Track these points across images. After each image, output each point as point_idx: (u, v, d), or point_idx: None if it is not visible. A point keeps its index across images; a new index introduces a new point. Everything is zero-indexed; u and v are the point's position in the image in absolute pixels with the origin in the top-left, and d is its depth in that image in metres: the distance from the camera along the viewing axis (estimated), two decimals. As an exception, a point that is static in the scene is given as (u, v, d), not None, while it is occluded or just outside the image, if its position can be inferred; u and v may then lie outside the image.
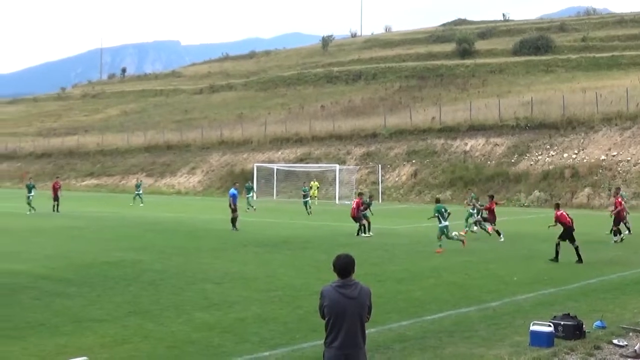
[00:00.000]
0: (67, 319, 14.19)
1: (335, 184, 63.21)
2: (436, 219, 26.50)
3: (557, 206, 24.63)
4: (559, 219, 23.56)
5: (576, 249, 22.91)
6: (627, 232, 31.51)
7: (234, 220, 33.73)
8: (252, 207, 48.47)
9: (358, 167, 67.81)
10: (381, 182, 63.98)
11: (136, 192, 57.26)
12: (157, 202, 59.93)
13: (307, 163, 70.81)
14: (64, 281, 18.71)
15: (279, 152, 76.54)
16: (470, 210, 33.44)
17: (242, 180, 66.51)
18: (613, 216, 29.15)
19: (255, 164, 70.72)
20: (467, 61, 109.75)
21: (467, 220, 33.54)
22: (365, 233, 31.55)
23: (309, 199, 48.38)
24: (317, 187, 60.80)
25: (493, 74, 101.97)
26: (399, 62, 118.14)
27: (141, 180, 63.75)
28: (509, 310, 15.20)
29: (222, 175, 72.71)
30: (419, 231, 33.83)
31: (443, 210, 26.34)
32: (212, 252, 25.10)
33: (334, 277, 7.54)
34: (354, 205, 32.62)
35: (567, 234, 23.26)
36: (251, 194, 51.26)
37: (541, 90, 79.26)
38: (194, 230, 34.14)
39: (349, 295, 7.42)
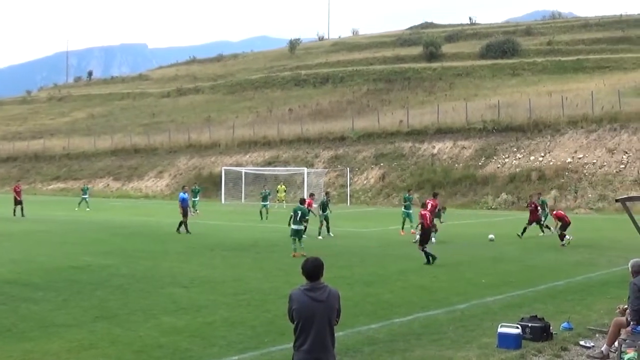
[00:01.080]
0: (34, 324, 14.04)
1: (304, 187, 63.17)
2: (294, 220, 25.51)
3: (424, 206, 24.89)
4: (420, 217, 23.77)
5: (424, 251, 22.99)
6: (541, 233, 32.53)
7: (185, 224, 33.65)
8: (195, 210, 45.51)
9: (326, 170, 67.85)
10: (349, 185, 64.08)
11: (82, 197, 55.58)
12: (125, 206, 59.53)
13: (275, 166, 70.70)
14: (30, 286, 18.51)
15: (247, 156, 76.34)
16: (405, 210, 33.84)
17: (210, 184, 66.39)
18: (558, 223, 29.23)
19: (223, 168, 70.51)
20: (434, 64, 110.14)
21: (404, 222, 33.73)
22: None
23: (268, 203, 46.54)
24: (285, 191, 60.51)
25: (460, 77, 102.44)
26: (367, 65, 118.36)
27: (87, 185, 61.74)
28: (477, 312, 15.28)
29: (189, 179, 72.10)
30: (387, 234, 33.92)
31: (299, 212, 25.57)
32: (180, 256, 24.96)
33: (302, 281, 7.52)
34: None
35: (424, 234, 23.40)
36: (197, 197, 49.91)
37: (508, 94, 79.87)
38: (161, 234, 33.97)
39: (317, 298, 7.41)
